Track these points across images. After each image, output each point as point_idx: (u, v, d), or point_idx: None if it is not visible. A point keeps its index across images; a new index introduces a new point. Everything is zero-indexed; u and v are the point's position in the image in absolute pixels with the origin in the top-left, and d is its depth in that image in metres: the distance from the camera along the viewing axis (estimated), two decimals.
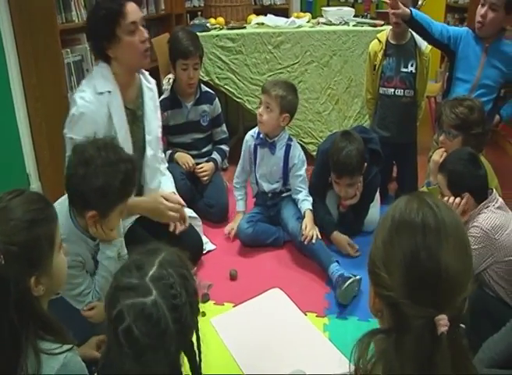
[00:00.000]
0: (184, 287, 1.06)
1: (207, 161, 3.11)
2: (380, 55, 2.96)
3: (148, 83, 2.33)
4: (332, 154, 2.54)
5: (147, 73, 2.33)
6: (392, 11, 2.67)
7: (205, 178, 3.02)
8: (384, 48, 2.96)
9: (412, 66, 2.93)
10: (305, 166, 2.72)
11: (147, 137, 2.29)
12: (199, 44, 3.04)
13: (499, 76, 2.68)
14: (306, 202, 2.64)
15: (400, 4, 2.63)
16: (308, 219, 2.57)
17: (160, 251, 1.11)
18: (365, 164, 2.58)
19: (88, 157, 1.64)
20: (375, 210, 2.82)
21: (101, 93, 2.07)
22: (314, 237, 2.49)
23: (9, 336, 1.08)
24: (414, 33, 2.93)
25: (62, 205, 1.74)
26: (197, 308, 1.11)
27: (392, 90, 2.97)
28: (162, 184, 2.40)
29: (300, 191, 2.68)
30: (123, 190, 1.70)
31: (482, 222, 1.82)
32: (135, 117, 2.24)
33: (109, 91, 2.09)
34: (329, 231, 2.65)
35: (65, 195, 1.75)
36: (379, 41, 3.01)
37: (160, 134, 2.40)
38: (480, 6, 2.63)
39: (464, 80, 2.73)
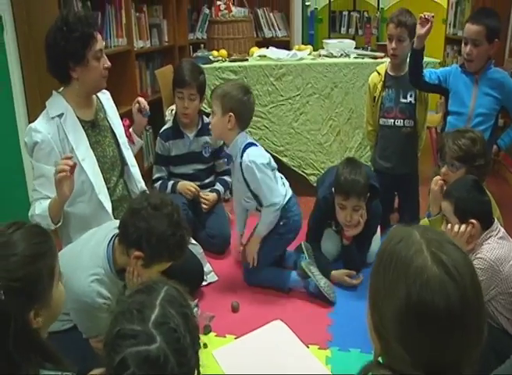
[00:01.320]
0: (187, 327, 1.03)
1: (210, 191, 3.12)
2: (379, 87, 3.01)
3: (104, 95, 2.41)
4: (339, 175, 2.53)
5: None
6: (423, 26, 2.64)
7: (205, 206, 3.02)
8: (383, 79, 3.01)
9: (411, 96, 2.97)
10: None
11: (120, 140, 2.37)
12: (198, 77, 3.06)
13: (493, 103, 2.71)
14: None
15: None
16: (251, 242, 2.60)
17: (160, 288, 1.08)
18: (368, 193, 2.58)
19: (158, 204, 1.73)
20: (376, 242, 2.81)
21: (53, 117, 2.13)
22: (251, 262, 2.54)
23: (8, 368, 1.07)
24: None
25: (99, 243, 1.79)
26: (198, 344, 1.09)
27: (392, 120, 3.01)
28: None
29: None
30: (174, 249, 1.75)
31: (486, 253, 1.81)
32: (95, 127, 2.28)
33: (61, 114, 2.15)
34: (327, 272, 2.61)
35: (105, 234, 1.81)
36: (378, 73, 3.06)
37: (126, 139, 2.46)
38: (463, 45, 2.71)
39: (459, 113, 2.77)
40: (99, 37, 2.17)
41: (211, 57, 3.80)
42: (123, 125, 2.46)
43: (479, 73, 2.72)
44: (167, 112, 3.55)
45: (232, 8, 4.11)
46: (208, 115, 3.45)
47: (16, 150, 2.83)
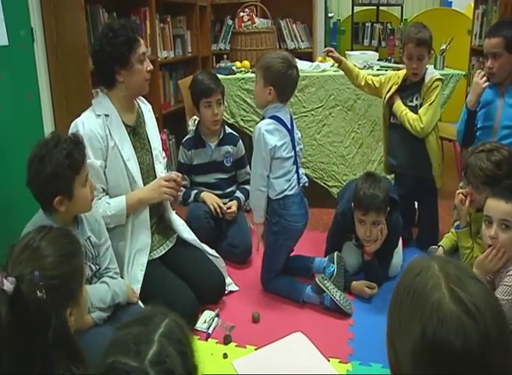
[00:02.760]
0: (185, 368, 0.97)
1: (230, 200, 3.12)
2: (393, 89, 2.96)
3: (146, 106, 2.49)
4: (358, 190, 2.51)
5: (143, 98, 2.49)
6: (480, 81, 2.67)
7: (233, 215, 3.04)
8: (400, 83, 2.97)
9: (417, 99, 2.93)
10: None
11: (154, 152, 2.41)
12: (219, 82, 3.13)
13: None
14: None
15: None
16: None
17: (159, 321, 1.01)
18: (388, 207, 2.56)
19: (33, 157, 1.74)
20: (397, 255, 2.79)
21: (99, 115, 2.22)
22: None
23: (43, 368, 1.08)
24: (428, 69, 2.95)
25: (36, 218, 1.81)
26: None
27: (400, 122, 2.96)
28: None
29: None
30: (72, 162, 1.75)
31: None
32: (135, 133, 2.36)
33: (107, 114, 2.23)
34: (347, 285, 2.61)
35: (37, 214, 1.83)
36: (398, 76, 3.01)
37: (162, 151, 2.50)
38: (485, 60, 2.69)
39: (485, 128, 2.74)
40: (142, 41, 2.27)
41: (234, 68, 3.83)
42: (161, 138, 2.52)
43: (505, 85, 2.69)
44: (190, 122, 3.58)
45: (256, 20, 4.14)
46: (229, 125, 3.49)
47: None
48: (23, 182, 1.74)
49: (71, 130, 2.17)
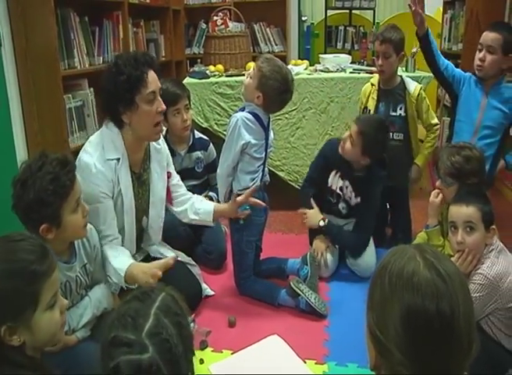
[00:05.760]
0: (180, 337, 1.05)
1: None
2: (375, 96, 3.03)
3: (157, 145, 2.31)
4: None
5: None
6: (415, 10, 2.72)
7: None
8: (377, 91, 3.03)
9: (401, 109, 2.98)
10: None
11: (151, 199, 2.30)
12: (184, 86, 3.07)
13: (501, 118, 2.74)
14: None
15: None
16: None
17: (155, 295, 1.10)
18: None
19: (16, 181, 1.63)
20: (371, 255, 2.83)
21: (110, 159, 2.07)
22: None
23: None
24: (404, 77, 3.03)
25: None
26: (192, 352, 1.11)
27: None
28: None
29: None
30: (58, 187, 1.62)
31: (486, 269, 1.83)
32: (140, 181, 2.25)
33: (118, 159, 2.09)
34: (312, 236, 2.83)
35: None
36: (372, 84, 3.09)
37: (164, 194, 2.38)
38: (478, 52, 2.74)
39: (465, 122, 2.81)
40: (151, 77, 2.04)
41: (207, 72, 3.83)
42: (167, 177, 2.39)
43: (489, 86, 2.74)
44: (164, 127, 3.55)
45: (229, 24, 4.14)
46: (203, 129, 3.47)
47: (13, 168, 2.81)
48: None
49: (79, 168, 1.92)
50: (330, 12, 6.15)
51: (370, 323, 0.99)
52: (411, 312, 0.92)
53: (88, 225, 1.83)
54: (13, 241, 1.21)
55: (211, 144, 3.20)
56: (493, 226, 1.90)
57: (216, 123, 3.69)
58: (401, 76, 3.04)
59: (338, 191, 2.86)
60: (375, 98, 3.03)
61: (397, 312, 0.93)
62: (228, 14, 4.32)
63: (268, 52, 5.46)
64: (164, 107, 2.12)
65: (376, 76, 3.12)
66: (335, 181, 2.87)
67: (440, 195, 2.25)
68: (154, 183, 2.30)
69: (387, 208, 3.24)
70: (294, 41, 5.95)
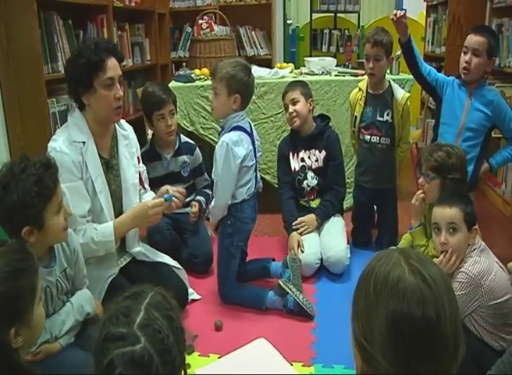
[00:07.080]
0: (171, 328, 1.06)
1: (191, 200, 3.10)
2: (362, 103, 3.04)
3: (123, 131, 2.36)
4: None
5: (123, 121, 2.37)
6: (397, 20, 2.73)
7: (194, 219, 3.03)
8: (365, 95, 3.04)
9: (388, 115, 3.00)
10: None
11: (123, 185, 2.31)
12: (170, 91, 3.08)
13: (484, 120, 2.77)
14: None
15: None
16: None
17: (145, 294, 1.11)
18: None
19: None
20: (343, 250, 2.85)
21: (75, 141, 2.11)
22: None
23: None
24: (392, 83, 3.03)
25: None
26: (183, 345, 1.12)
27: (369, 137, 3.04)
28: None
29: None
30: (42, 189, 1.62)
31: (469, 267, 1.85)
32: (109, 166, 2.27)
33: (83, 142, 2.12)
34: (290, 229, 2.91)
35: None
36: (360, 89, 3.10)
37: (137, 180, 2.39)
38: (463, 54, 2.77)
39: (450, 125, 2.83)
40: (111, 63, 2.10)
41: (193, 75, 3.82)
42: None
43: (473, 88, 2.77)
44: (149, 131, 3.54)
45: (214, 27, 4.15)
46: (189, 132, 3.47)
47: None
48: None
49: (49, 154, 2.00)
50: (315, 16, 6.19)
51: (355, 332, 0.99)
52: (397, 318, 0.91)
53: (68, 229, 1.81)
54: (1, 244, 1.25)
55: (197, 149, 3.20)
56: (475, 227, 1.92)
57: (202, 127, 3.68)
58: (389, 82, 3.05)
59: (301, 163, 3.01)
60: (362, 104, 3.04)
61: (383, 319, 0.92)
62: (213, 17, 4.33)
63: (254, 56, 5.48)
64: (121, 93, 2.16)
65: (364, 80, 3.12)
66: (295, 161, 3.03)
67: (421, 195, 2.28)
68: (123, 168, 2.31)
69: (374, 210, 3.26)
70: (279, 44, 5.96)
